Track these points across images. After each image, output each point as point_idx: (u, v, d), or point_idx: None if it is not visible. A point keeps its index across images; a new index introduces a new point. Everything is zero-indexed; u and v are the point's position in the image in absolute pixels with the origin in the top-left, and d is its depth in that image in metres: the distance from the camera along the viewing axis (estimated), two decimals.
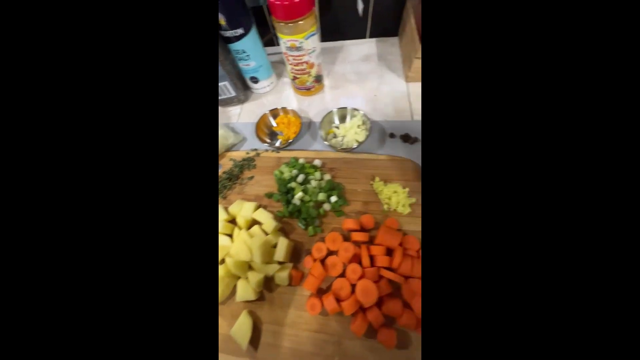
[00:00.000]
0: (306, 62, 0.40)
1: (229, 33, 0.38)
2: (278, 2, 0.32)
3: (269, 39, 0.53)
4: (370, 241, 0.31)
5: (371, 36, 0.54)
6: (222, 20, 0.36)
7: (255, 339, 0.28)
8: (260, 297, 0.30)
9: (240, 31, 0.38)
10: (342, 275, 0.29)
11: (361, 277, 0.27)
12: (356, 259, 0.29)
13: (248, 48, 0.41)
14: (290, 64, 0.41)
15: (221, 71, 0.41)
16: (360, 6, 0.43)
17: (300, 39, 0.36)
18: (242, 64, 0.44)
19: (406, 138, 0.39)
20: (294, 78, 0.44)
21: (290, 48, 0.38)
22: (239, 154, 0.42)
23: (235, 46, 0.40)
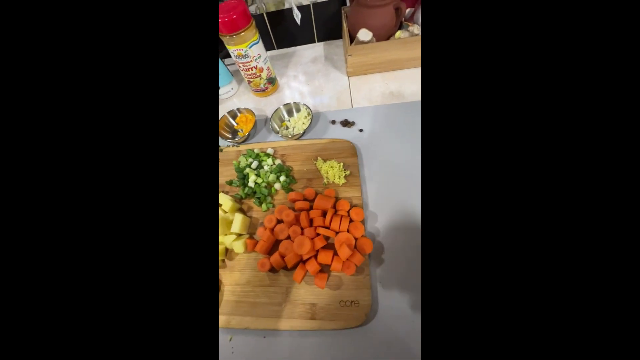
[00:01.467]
0: (255, 67, 0.46)
1: None
2: (219, 20, 0.39)
3: (226, 53, 0.60)
4: (310, 208, 0.36)
5: (319, 40, 0.62)
6: None
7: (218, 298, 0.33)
8: (222, 265, 0.35)
9: None
10: (288, 238, 0.34)
11: (300, 235, 0.33)
12: (298, 223, 0.35)
13: None
14: (242, 70, 0.47)
15: None
16: (297, 16, 0.50)
17: (244, 48, 0.43)
18: None
19: (345, 123, 0.45)
20: (249, 82, 0.50)
21: (238, 56, 0.44)
22: None
23: None
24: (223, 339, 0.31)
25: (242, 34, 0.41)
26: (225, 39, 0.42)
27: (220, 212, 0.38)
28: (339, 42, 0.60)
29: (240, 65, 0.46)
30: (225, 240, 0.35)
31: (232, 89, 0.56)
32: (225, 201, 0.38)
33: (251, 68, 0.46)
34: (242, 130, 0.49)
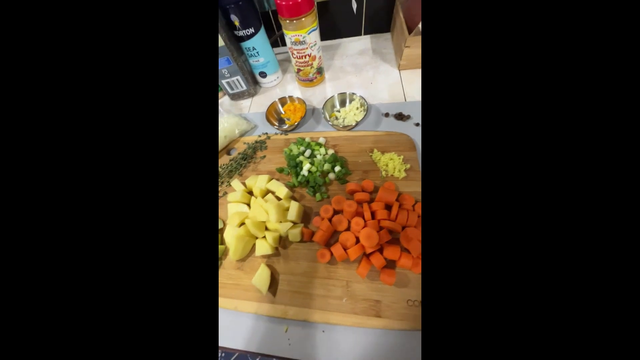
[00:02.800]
0: (308, 55, 0.45)
1: (242, 32, 0.44)
2: (284, 3, 0.38)
3: (274, 40, 0.60)
4: (371, 201, 0.35)
5: (365, 33, 0.60)
6: (236, 22, 0.42)
7: (273, 287, 0.32)
8: (276, 254, 0.34)
9: (251, 30, 0.44)
10: (347, 229, 0.33)
11: (364, 227, 0.31)
12: (359, 214, 0.33)
13: (257, 45, 0.46)
14: (295, 57, 0.46)
15: (235, 67, 0.47)
16: (354, 5, 0.49)
17: (303, 34, 0.42)
18: (252, 60, 0.49)
19: (399, 116, 0.43)
20: (298, 70, 0.49)
21: (295, 42, 0.43)
22: (251, 138, 0.47)
23: (247, 44, 0.46)
24: (279, 329, 0.30)
25: (303, 19, 0.40)
26: (285, 23, 0.41)
27: (273, 198, 0.37)
28: (386, 35, 0.59)
29: (295, 52, 0.45)
30: (280, 227, 0.34)
31: (277, 77, 0.55)
32: (279, 188, 0.37)
33: (305, 55, 0.45)
34: (288, 119, 0.48)
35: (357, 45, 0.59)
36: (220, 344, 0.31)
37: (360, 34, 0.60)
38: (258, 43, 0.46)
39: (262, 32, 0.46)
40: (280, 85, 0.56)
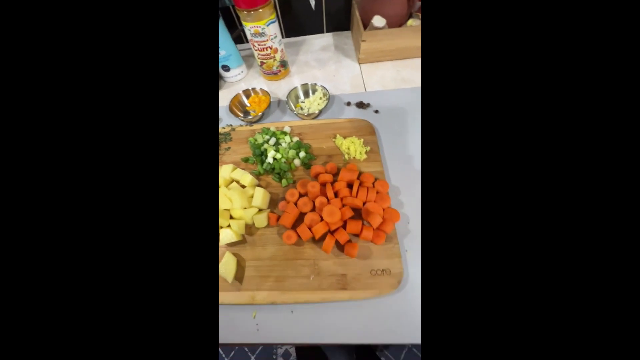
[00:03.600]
0: (270, 47, 0.46)
1: None
2: None
3: (237, 36, 0.59)
4: (335, 182, 0.36)
5: (327, 31, 0.63)
6: None
7: (239, 275, 0.31)
8: (242, 241, 0.33)
9: None
10: (313, 210, 0.33)
11: (327, 206, 0.32)
12: (323, 195, 0.34)
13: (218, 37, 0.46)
14: (257, 50, 0.47)
15: None
16: (312, 2, 0.51)
17: (262, 25, 0.42)
18: None
19: (360, 105, 0.46)
20: (262, 63, 0.50)
21: (255, 34, 0.44)
22: None
23: None
24: (247, 316, 0.29)
25: (261, 10, 0.41)
26: (243, 15, 0.41)
27: (237, 186, 0.36)
28: (347, 33, 0.62)
29: (256, 44, 0.45)
30: (245, 214, 0.33)
31: (241, 72, 0.54)
32: (244, 176, 0.36)
33: (266, 48, 0.46)
34: (254, 111, 0.48)
35: (320, 42, 0.62)
36: None
37: (322, 32, 0.63)
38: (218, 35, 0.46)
39: (220, 24, 0.45)
40: (245, 80, 0.56)
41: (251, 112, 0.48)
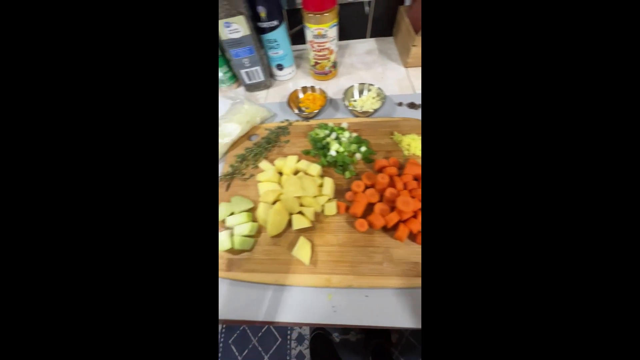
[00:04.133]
0: (328, 49, 0.49)
1: (266, 24, 0.46)
2: None
3: (297, 31, 0.61)
4: (400, 175, 0.37)
5: (371, 36, 0.66)
6: (262, 13, 0.44)
7: (313, 259, 0.32)
8: (311, 228, 0.35)
9: (275, 23, 0.46)
10: (380, 201, 0.35)
11: (398, 196, 0.33)
12: (391, 187, 0.35)
13: (279, 38, 0.49)
14: (314, 51, 0.50)
15: (256, 57, 0.49)
16: (367, 8, 0.55)
17: (326, 28, 0.45)
18: (271, 53, 0.51)
19: (412, 105, 0.48)
20: (315, 64, 0.52)
21: (317, 36, 0.46)
22: (273, 125, 0.48)
23: (269, 36, 0.48)
24: (323, 298, 0.30)
25: (327, 14, 0.43)
26: (308, 17, 0.44)
27: (308, 176, 0.38)
28: (389, 39, 0.65)
29: (315, 45, 0.48)
30: (314, 202, 0.35)
31: (292, 71, 0.57)
32: (311, 167, 0.38)
33: (325, 49, 0.48)
34: (307, 107, 0.50)
35: (364, 46, 0.64)
36: (261, 319, 0.30)
37: (365, 37, 0.66)
38: (280, 35, 0.49)
39: (283, 26, 0.48)
40: (293, 80, 0.59)
41: (304, 108, 0.50)
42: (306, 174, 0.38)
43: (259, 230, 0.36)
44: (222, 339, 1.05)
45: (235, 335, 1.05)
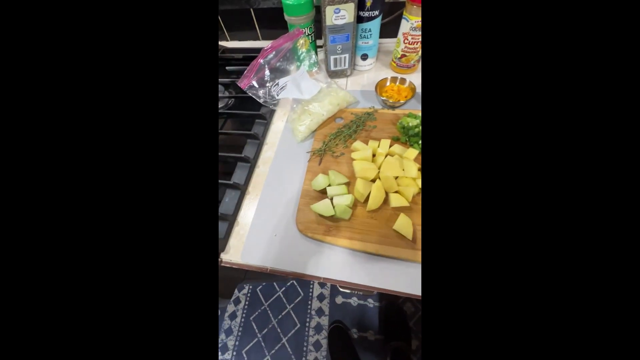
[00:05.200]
0: (419, 42, 0.50)
1: (367, 13, 0.48)
2: None
3: (387, 22, 0.63)
4: None
5: None
6: (368, 2, 0.46)
7: (413, 235, 0.34)
8: (409, 208, 0.36)
9: (376, 13, 0.48)
10: None
11: None
12: None
13: (373, 28, 0.51)
14: (406, 43, 0.51)
15: (349, 45, 0.51)
16: None
17: None
18: (361, 42, 0.54)
19: None
20: (402, 56, 0.54)
21: (415, 28, 0.48)
22: (359, 110, 0.50)
23: (365, 25, 0.50)
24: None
25: None
26: (412, 9, 0.46)
27: (404, 158, 0.39)
28: None
29: (409, 37, 0.50)
30: (413, 183, 0.36)
31: (372, 62, 0.59)
32: (408, 151, 0.40)
33: (418, 42, 0.50)
34: (390, 97, 0.51)
35: None
36: (362, 282, 0.32)
37: None
38: (374, 26, 0.51)
39: (380, 17, 0.50)
40: (372, 71, 0.61)
41: (387, 98, 0.52)
42: (401, 157, 0.40)
43: (355, 204, 0.38)
44: (244, 315, 1.09)
45: (256, 313, 1.09)
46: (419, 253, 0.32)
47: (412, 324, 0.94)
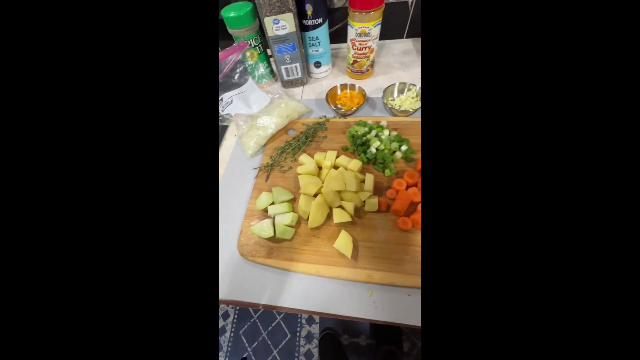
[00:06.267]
0: (369, 47, 0.49)
1: (311, 22, 0.47)
2: None
3: (335, 30, 0.62)
4: None
5: (407, 37, 0.65)
6: (309, 11, 0.45)
7: (354, 253, 0.32)
8: (352, 222, 0.35)
9: (319, 21, 0.47)
10: None
11: None
12: None
13: (321, 36, 0.50)
14: (355, 49, 0.50)
15: (297, 54, 0.50)
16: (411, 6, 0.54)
17: (370, 26, 0.45)
18: (311, 50, 0.52)
19: None
20: (354, 62, 0.53)
21: (360, 34, 0.47)
22: (310, 120, 0.49)
23: (311, 33, 0.49)
24: (363, 293, 0.30)
25: (372, 13, 0.44)
26: (354, 15, 0.45)
27: (350, 172, 0.38)
28: None
29: (357, 43, 0.49)
30: (355, 197, 0.35)
31: (328, 69, 0.58)
32: (352, 162, 0.38)
33: (366, 47, 0.49)
34: (343, 105, 0.50)
35: (400, 46, 0.64)
36: (302, 307, 0.31)
37: (402, 37, 0.65)
38: (322, 33, 0.49)
39: (326, 24, 0.49)
40: (328, 78, 0.60)
41: (340, 106, 0.51)
42: (346, 169, 0.39)
43: (298, 221, 0.36)
44: (233, 329, 1.07)
45: (245, 326, 1.07)
46: (361, 272, 0.31)
47: (403, 327, 0.93)
